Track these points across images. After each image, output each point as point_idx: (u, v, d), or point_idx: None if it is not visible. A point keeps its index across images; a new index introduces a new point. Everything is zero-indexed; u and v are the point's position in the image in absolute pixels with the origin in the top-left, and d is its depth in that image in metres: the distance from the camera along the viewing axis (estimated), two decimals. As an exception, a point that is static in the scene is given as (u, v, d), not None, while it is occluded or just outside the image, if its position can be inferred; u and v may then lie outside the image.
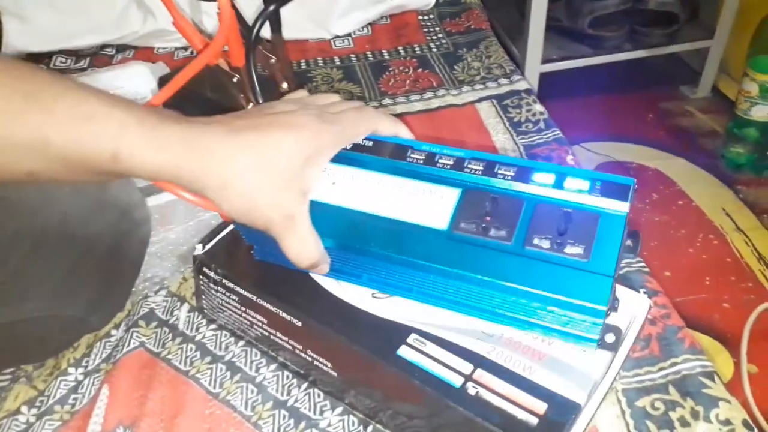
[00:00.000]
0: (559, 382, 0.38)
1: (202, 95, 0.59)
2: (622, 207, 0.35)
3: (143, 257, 0.55)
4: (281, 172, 0.36)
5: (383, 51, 0.92)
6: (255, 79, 0.53)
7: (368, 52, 0.92)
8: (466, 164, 0.39)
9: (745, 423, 0.43)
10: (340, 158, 0.40)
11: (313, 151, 0.38)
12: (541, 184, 0.37)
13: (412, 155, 0.40)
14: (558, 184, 0.36)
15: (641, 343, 0.48)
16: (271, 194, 0.36)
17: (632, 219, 0.36)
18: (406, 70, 0.86)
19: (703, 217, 1.17)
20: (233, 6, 0.47)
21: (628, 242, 0.38)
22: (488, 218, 0.37)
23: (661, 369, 0.47)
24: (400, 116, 0.76)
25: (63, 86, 0.31)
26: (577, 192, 0.36)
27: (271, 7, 0.49)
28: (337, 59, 0.91)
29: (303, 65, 0.90)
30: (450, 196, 0.38)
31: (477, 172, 0.38)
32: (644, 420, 0.44)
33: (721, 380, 0.46)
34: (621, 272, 0.55)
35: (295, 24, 0.94)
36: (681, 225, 1.15)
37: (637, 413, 0.44)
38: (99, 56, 0.93)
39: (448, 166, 0.39)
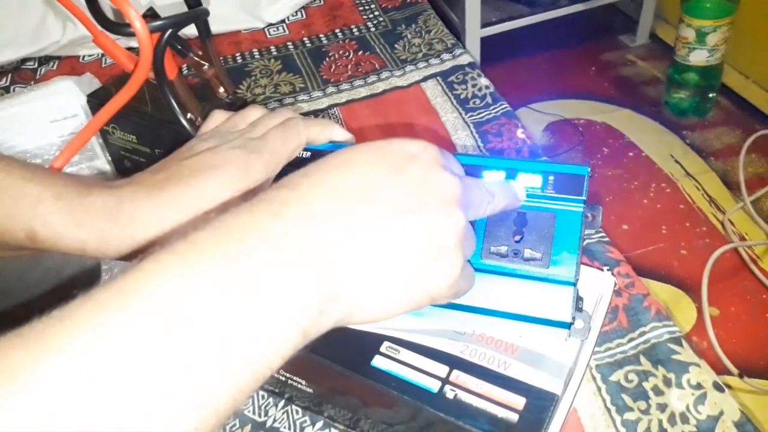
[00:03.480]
0: (535, 373, 0.38)
1: (142, 111, 0.56)
2: (577, 203, 0.35)
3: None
4: None
5: (320, 35, 0.89)
6: (170, 98, 0.50)
7: (305, 38, 0.89)
8: None
9: (715, 385, 0.44)
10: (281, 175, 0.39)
11: (244, 188, 0.35)
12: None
13: None
14: None
15: (609, 316, 0.49)
16: None
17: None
18: (346, 53, 0.84)
19: (653, 166, 1.19)
20: (153, 31, 0.44)
21: (589, 216, 0.38)
22: None
23: (630, 340, 0.47)
24: (346, 104, 0.74)
25: None
26: (529, 192, 0.35)
27: (167, 35, 0.46)
28: (273, 49, 0.87)
29: (239, 59, 0.86)
30: None
31: None
32: (620, 394, 0.44)
33: (691, 346, 0.46)
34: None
35: (225, 16, 0.90)
36: (633, 176, 1.17)
37: (612, 388, 0.45)
38: (20, 71, 0.88)
39: None
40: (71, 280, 0.47)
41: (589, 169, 0.36)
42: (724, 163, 1.18)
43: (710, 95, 1.27)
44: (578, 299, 0.38)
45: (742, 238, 1.03)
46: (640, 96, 1.38)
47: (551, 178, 0.36)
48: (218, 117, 0.42)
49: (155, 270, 0.21)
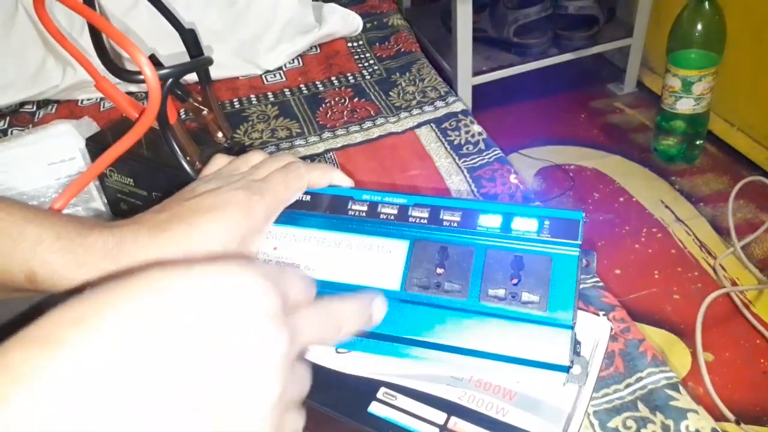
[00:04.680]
0: (533, 420, 0.38)
1: (139, 154, 0.57)
2: (573, 247, 0.35)
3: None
4: None
5: (316, 82, 0.91)
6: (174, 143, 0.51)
7: (302, 85, 0.91)
8: (410, 213, 0.38)
9: None
10: (279, 218, 0.39)
11: (246, 230, 0.36)
12: (488, 229, 0.37)
13: (353, 207, 0.39)
14: (506, 227, 0.36)
15: (606, 361, 0.49)
16: None
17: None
18: (342, 100, 0.86)
19: (644, 211, 1.21)
20: (161, 79, 0.45)
21: (584, 261, 0.38)
22: (440, 271, 0.36)
23: (628, 386, 0.47)
24: (341, 149, 0.75)
25: None
26: (525, 236, 0.36)
27: (168, 83, 0.47)
28: (270, 95, 0.89)
29: (236, 104, 0.88)
30: (399, 250, 0.37)
31: (422, 221, 0.38)
32: (618, 441, 0.44)
33: (688, 392, 0.46)
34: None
35: (223, 62, 0.92)
36: (624, 221, 1.19)
37: (611, 435, 0.44)
38: (19, 114, 0.88)
39: (392, 217, 0.38)
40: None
41: (584, 215, 0.36)
42: (713, 209, 1.19)
43: (697, 142, 1.30)
44: (576, 343, 0.38)
45: (734, 283, 1.04)
46: (628, 143, 1.41)
47: (547, 222, 0.36)
48: (220, 160, 0.43)
49: None
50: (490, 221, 0.37)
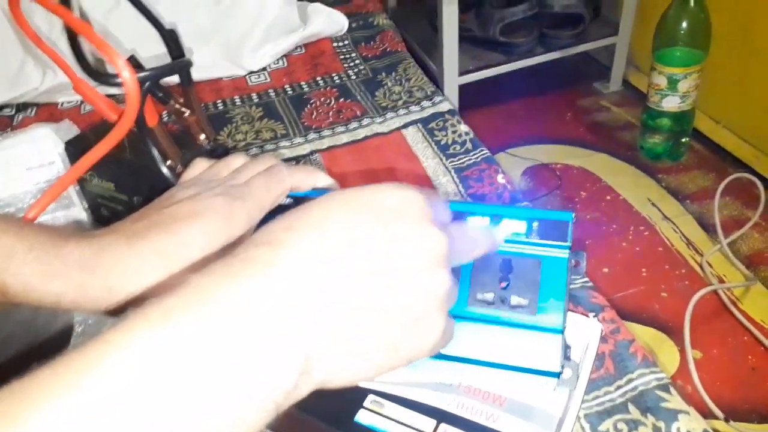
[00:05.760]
0: (524, 426, 0.37)
1: (121, 158, 0.56)
2: (562, 249, 0.35)
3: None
4: None
5: (302, 83, 0.90)
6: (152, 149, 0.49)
7: (286, 86, 0.90)
8: None
9: (705, 433, 0.44)
10: (263, 222, 0.38)
11: (227, 237, 0.35)
12: None
13: None
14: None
15: (596, 363, 0.48)
16: None
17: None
18: (328, 101, 0.85)
19: (631, 209, 1.21)
20: (140, 81, 0.44)
21: (573, 262, 0.38)
22: None
23: (618, 387, 0.47)
24: (327, 150, 0.74)
25: None
26: (514, 238, 0.35)
27: (147, 85, 0.46)
28: (254, 96, 0.88)
29: (220, 106, 0.86)
30: None
31: None
32: (610, 444, 0.43)
33: (678, 392, 0.46)
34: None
35: (206, 63, 0.91)
36: (611, 220, 1.18)
37: (602, 438, 0.44)
38: (-3, 118, 0.87)
39: None
40: (42, 335, 0.45)
41: (573, 216, 0.36)
42: (699, 206, 1.19)
43: (683, 140, 1.30)
44: (566, 347, 0.37)
45: (721, 280, 1.04)
46: (615, 141, 1.41)
47: (535, 224, 0.36)
48: (200, 165, 0.42)
49: (125, 343, 0.20)
50: (478, 224, 0.36)
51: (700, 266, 1.07)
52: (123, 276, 0.31)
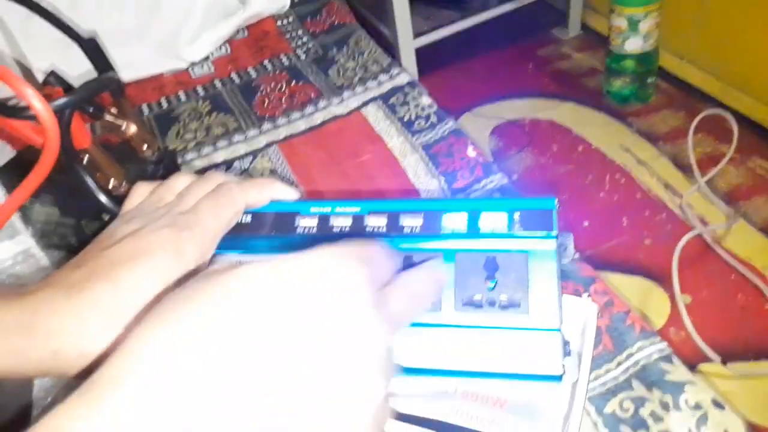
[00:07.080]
0: (529, 427, 0.34)
1: (59, 181, 0.51)
2: (549, 239, 0.31)
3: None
4: None
5: (248, 69, 0.84)
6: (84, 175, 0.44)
7: (232, 74, 0.84)
8: (366, 222, 0.34)
9: (714, 402, 0.41)
10: (221, 244, 0.34)
11: (179, 273, 0.30)
12: (454, 231, 0.32)
13: (301, 224, 0.35)
14: (473, 226, 0.32)
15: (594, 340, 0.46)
16: None
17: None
18: (279, 86, 0.80)
19: (604, 158, 1.19)
20: (58, 113, 0.38)
21: (561, 246, 0.34)
22: None
23: (619, 364, 0.44)
24: (285, 141, 0.70)
25: None
26: (496, 233, 0.32)
27: (67, 112, 0.40)
28: (200, 89, 0.82)
29: (164, 104, 0.81)
30: None
31: (380, 230, 0.33)
32: (617, 426, 0.41)
33: (680, 360, 0.44)
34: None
35: (143, 59, 0.85)
36: (586, 171, 1.16)
37: (609, 421, 0.41)
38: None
39: (347, 229, 0.34)
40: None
41: (557, 200, 0.32)
42: (673, 147, 1.18)
43: (650, 80, 1.27)
44: (565, 344, 0.34)
45: (702, 221, 1.03)
46: (580, 88, 1.38)
47: (517, 215, 0.32)
48: (141, 190, 0.37)
49: None
50: (455, 222, 0.33)
51: (681, 208, 1.05)
52: (66, 339, 0.27)
